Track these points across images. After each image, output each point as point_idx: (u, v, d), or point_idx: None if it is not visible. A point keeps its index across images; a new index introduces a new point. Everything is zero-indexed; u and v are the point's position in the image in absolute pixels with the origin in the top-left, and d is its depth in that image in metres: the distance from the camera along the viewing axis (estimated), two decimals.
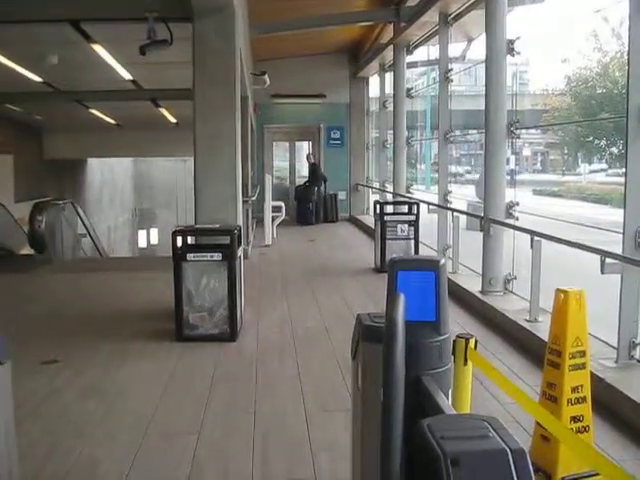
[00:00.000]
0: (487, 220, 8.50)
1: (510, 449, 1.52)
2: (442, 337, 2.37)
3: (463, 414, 2.52)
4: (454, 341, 3.08)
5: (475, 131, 14.22)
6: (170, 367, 6.24)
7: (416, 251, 11.04)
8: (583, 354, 3.81)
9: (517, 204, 8.37)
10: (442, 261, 2.41)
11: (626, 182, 5.72)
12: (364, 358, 2.67)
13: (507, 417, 4.57)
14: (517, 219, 8.27)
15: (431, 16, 11.70)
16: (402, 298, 1.84)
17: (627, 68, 5.75)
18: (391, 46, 14.99)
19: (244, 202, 10.58)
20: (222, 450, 4.49)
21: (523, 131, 9.14)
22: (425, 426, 1.61)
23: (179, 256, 6.97)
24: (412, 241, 11.05)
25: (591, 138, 21.76)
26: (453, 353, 3.04)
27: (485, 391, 4.92)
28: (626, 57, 5.83)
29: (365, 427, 2.74)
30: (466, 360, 3.09)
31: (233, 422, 4.95)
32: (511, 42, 8.27)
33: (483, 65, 8.69)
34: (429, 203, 11.64)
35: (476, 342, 3.14)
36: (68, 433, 4.74)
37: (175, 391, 5.63)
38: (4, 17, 8.08)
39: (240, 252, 7.50)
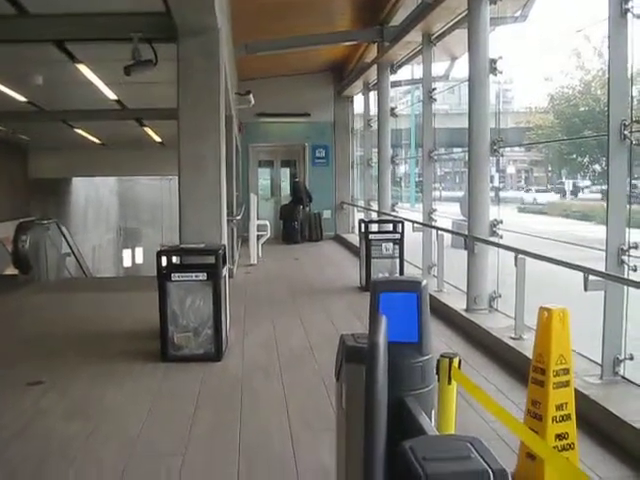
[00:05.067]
0: (471, 238, 8.53)
1: (492, 470, 1.53)
2: (424, 358, 2.38)
3: (445, 435, 2.53)
4: (438, 360, 3.09)
5: (459, 149, 14.30)
6: (155, 388, 6.21)
7: (401, 270, 11.04)
8: (567, 372, 3.82)
9: (501, 222, 8.41)
10: (424, 282, 2.43)
11: (608, 200, 5.77)
12: (347, 379, 2.67)
13: (492, 435, 4.58)
14: (501, 237, 8.30)
15: (414, 36, 11.80)
16: (384, 320, 1.85)
17: (607, 86, 5.82)
18: (375, 65, 15.09)
19: (229, 221, 10.58)
20: (207, 471, 4.47)
21: (507, 149, 9.21)
22: (407, 447, 1.61)
23: (164, 276, 6.95)
24: (397, 260, 11.05)
25: (574, 155, 21.95)
26: (437, 372, 3.05)
27: (470, 409, 4.92)
28: (607, 75, 5.90)
29: (349, 447, 2.73)
30: (450, 379, 3.10)
31: (218, 443, 4.92)
32: (494, 61, 8.34)
33: (467, 84, 8.75)
34: (414, 222, 11.67)
35: (460, 361, 3.14)
36: (54, 454, 4.71)
37: (160, 412, 5.59)
38: None
39: (225, 271, 7.49)
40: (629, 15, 5.56)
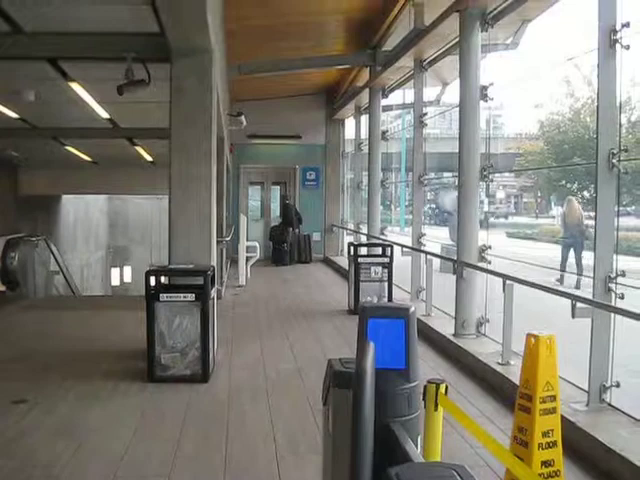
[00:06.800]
0: (460, 263, 8.55)
1: None
2: (411, 385, 2.38)
3: (431, 462, 2.53)
4: (425, 386, 3.09)
5: (450, 174, 14.36)
6: (141, 408, 6.18)
7: (389, 294, 11.04)
8: (554, 398, 3.82)
9: (489, 247, 8.44)
10: (412, 309, 2.43)
11: (596, 227, 5.81)
12: (334, 403, 2.67)
13: (478, 462, 4.57)
14: (490, 262, 8.32)
15: (406, 61, 11.89)
16: (372, 346, 1.86)
17: (596, 115, 5.88)
18: (367, 89, 15.17)
19: (218, 242, 10.58)
20: None
21: (497, 174, 9.25)
22: (393, 474, 1.61)
23: (152, 296, 6.94)
24: (386, 283, 11.05)
25: (563, 182, 22.07)
26: (424, 398, 3.05)
27: (457, 435, 4.92)
28: (596, 103, 5.96)
29: (335, 472, 2.73)
30: (437, 405, 3.10)
31: (204, 465, 4.89)
32: (484, 88, 8.40)
33: (458, 109, 8.80)
34: (403, 245, 11.69)
35: (447, 387, 3.15)
36: (37, 474, 4.67)
37: (146, 433, 5.56)
38: None
39: (214, 293, 7.48)
40: (618, 46, 5.63)
